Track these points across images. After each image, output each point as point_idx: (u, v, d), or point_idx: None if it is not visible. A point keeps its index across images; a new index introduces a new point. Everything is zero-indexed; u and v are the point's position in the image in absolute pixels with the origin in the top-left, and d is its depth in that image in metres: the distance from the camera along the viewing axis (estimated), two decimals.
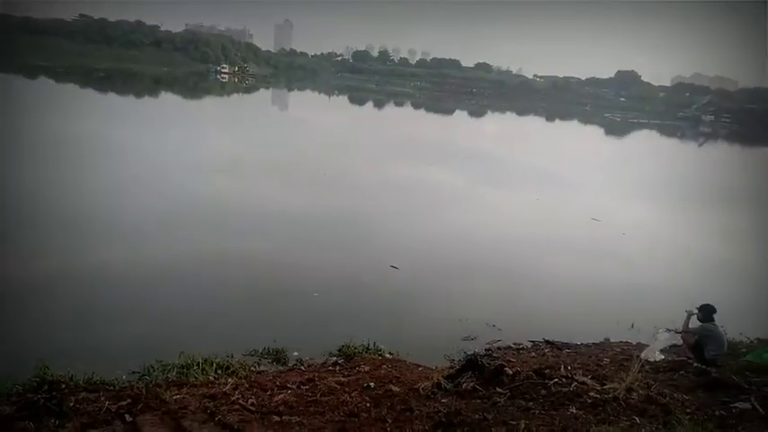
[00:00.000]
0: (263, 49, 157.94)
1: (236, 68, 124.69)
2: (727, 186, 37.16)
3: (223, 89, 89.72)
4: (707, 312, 8.29)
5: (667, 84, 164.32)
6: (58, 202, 16.16)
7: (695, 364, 8.02)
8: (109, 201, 16.77)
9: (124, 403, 6.14)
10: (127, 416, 5.90)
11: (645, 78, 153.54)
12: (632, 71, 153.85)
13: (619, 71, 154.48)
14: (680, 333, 8.62)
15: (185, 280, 11.70)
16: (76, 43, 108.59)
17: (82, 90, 59.63)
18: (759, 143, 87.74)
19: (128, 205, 16.55)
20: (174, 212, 16.45)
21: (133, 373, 7.44)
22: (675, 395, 6.42)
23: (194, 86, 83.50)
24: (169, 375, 7.39)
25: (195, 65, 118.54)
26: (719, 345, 8.11)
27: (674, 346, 9.11)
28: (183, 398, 6.47)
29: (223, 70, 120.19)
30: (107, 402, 6.13)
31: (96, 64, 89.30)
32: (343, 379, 7.59)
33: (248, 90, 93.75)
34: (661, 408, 5.93)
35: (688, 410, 5.94)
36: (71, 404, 5.99)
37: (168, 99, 63.45)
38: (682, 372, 7.78)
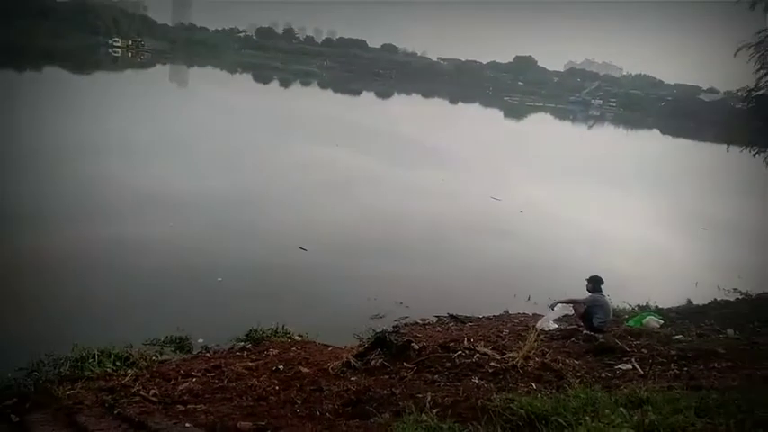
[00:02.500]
0: (160, 22, 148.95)
1: (130, 42, 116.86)
2: (614, 166, 40.11)
3: (115, 64, 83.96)
4: (595, 283, 8.94)
5: (560, 69, 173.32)
6: None
7: (585, 332, 8.63)
8: None
9: (9, 402, 5.70)
10: (13, 416, 5.48)
11: (541, 64, 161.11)
12: (529, 56, 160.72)
13: (517, 56, 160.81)
14: (571, 303, 9.24)
15: (78, 269, 10.95)
16: None
17: None
18: (640, 126, 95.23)
19: (7, 190, 15.13)
20: (59, 198, 15.27)
21: (20, 369, 6.88)
22: (567, 361, 6.88)
23: (83, 61, 77.38)
24: (61, 370, 6.91)
25: (84, 37, 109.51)
26: (606, 313, 8.80)
27: (566, 315, 9.78)
28: (78, 392, 6.10)
29: (115, 44, 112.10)
30: None
31: None
32: (251, 363, 7.47)
33: (143, 66, 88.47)
34: (555, 373, 6.34)
35: (578, 374, 6.39)
36: None
37: (53, 74, 58.41)
38: (573, 339, 8.34)
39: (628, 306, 11.23)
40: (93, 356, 7.16)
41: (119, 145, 23.15)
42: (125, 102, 40.64)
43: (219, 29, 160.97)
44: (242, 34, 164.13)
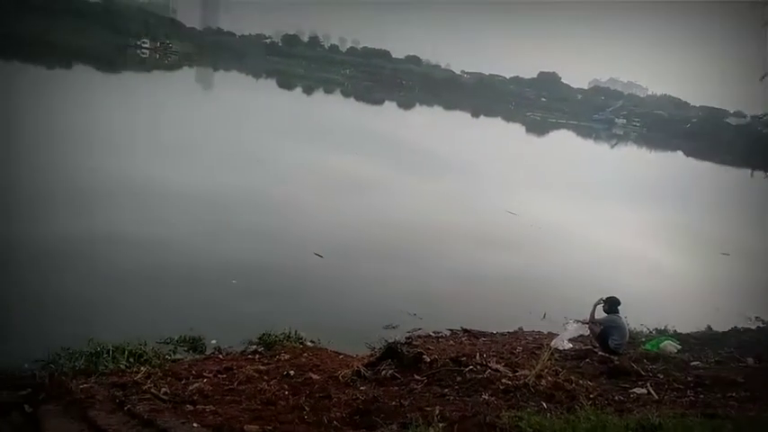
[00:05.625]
0: (188, 25, 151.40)
1: (158, 44, 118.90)
2: (635, 185, 39.66)
3: (143, 65, 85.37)
4: (612, 304, 8.83)
5: (585, 87, 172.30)
6: None
7: (600, 353, 8.52)
8: (7, 176, 15.56)
9: (24, 393, 5.77)
10: (26, 406, 5.55)
11: (565, 80, 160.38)
12: (553, 72, 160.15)
13: (541, 72, 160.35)
14: (587, 323, 9.13)
15: (98, 264, 11.05)
16: None
17: None
18: (664, 147, 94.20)
19: (28, 182, 15.36)
20: (84, 193, 15.46)
21: (36, 361, 6.97)
22: (581, 382, 6.79)
23: (112, 60, 78.85)
24: (76, 364, 6.99)
25: (113, 37, 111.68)
26: (622, 335, 8.67)
27: (581, 335, 9.66)
28: (91, 387, 6.15)
29: (144, 45, 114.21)
30: (4, 392, 5.73)
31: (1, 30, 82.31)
32: (262, 367, 7.49)
33: (170, 67, 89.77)
34: (567, 394, 6.26)
35: (591, 396, 6.30)
36: None
37: (83, 72, 59.61)
38: (587, 360, 8.23)
39: (645, 329, 11.04)
40: (108, 352, 7.24)
41: (141, 143, 23.53)
42: (149, 101, 41.28)
43: (246, 34, 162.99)
44: (268, 40, 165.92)
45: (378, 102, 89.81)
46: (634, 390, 6.67)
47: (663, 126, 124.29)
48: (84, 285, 10.07)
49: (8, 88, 34.01)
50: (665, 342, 9.46)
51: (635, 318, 10.43)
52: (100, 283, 10.27)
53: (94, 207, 14.39)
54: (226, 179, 20.23)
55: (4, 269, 10.03)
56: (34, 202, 13.92)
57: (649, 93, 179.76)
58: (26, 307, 8.80)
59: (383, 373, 7.05)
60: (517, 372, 6.94)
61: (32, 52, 64.04)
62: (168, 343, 8.31)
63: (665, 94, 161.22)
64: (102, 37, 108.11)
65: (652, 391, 6.53)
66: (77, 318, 8.69)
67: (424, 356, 7.39)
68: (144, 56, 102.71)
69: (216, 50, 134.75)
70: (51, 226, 12.54)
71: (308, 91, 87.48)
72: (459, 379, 6.78)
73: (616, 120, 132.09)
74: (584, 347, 9.06)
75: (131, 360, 7.27)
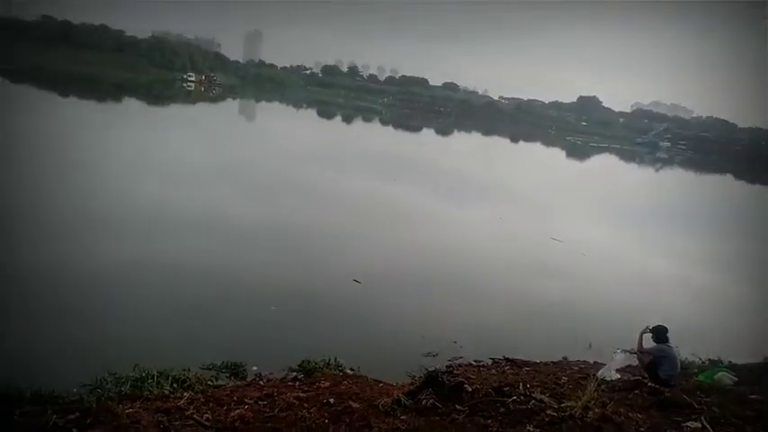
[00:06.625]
0: (232, 58, 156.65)
1: (203, 77, 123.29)
2: (682, 210, 38.51)
3: (189, 97, 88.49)
4: (660, 333, 8.50)
5: (627, 110, 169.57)
6: (6, 205, 15.54)
7: (649, 384, 8.19)
8: (63, 205, 16.26)
9: (73, 417, 5.89)
10: (75, 430, 5.67)
11: (606, 104, 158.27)
12: (594, 96, 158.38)
13: (580, 96, 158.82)
14: (636, 353, 8.81)
15: (142, 290, 11.37)
16: (36, 44, 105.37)
17: (39, 92, 57.87)
18: (712, 170, 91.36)
19: (82, 210, 16.05)
20: (129, 219, 16.01)
21: (84, 386, 7.14)
22: (630, 414, 6.53)
23: (159, 93, 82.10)
24: (123, 388, 7.13)
25: (161, 72, 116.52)
26: (673, 365, 8.32)
27: (629, 365, 9.31)
28: (136, 412, 6.25)
29: (189, 78, 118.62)
30: (54, 416, 5.87)
31: (57, 66, 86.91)
32: (302, 395, 7.47)
33: (215, 99, 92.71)
34: (616, 426, 6.02)
35: (641, 429, 6.05)
36: (15, 417, 5.72)
37: (131, 105, 62.20)
38: (636, 391, 7.92)
39: (697, 359, 10.59)
40: (153, 377, 7.37)
41: (186, 173, 24.24)
42: (195, 132, 42.69)
43: (287, 66, 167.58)
44: (308, 71, 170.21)
45: (416, 129, 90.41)
46: (687, 423, 6.38)
47: (710, 149, 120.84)
48: (125, 310, 10.35)
49: (65, 123, 35.82)
50: (720, 373, 9.05)
51: (686, 347, 10.01)
52: (141, 308, 10.53)
53: (138, 232, 14.85)
54: (266, 206, 20.62)
55: (58, 294, 10.41)
56: (93, 230, 14.50)
57: (695, 115, 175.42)
58: (76, 332, 9.08)
59: (424, 402, 6.93)
60: (563, 403, 6.72)
61: (85, 88, 67.41)
62: (210, 369, 8.41)
63: (712, 116, 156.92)
64: (150, 71, 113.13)
65: (707, 426, 6.22)
66: (123, 343, 8.91)
67: (466, 386, 7.23)
68: (190, 89, 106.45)
69: (258, 82, 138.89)
70: (106, 253, 12.99)
71: (348, 120, 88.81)
72: (502, 410, 6.61)
73: (660, 143, 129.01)
74: (632, 378, 8.73)
75: (175, 385, 7.37)
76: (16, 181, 18.18)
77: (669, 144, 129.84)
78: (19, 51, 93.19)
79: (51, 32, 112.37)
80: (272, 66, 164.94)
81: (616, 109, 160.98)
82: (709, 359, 10.72)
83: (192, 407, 6.58)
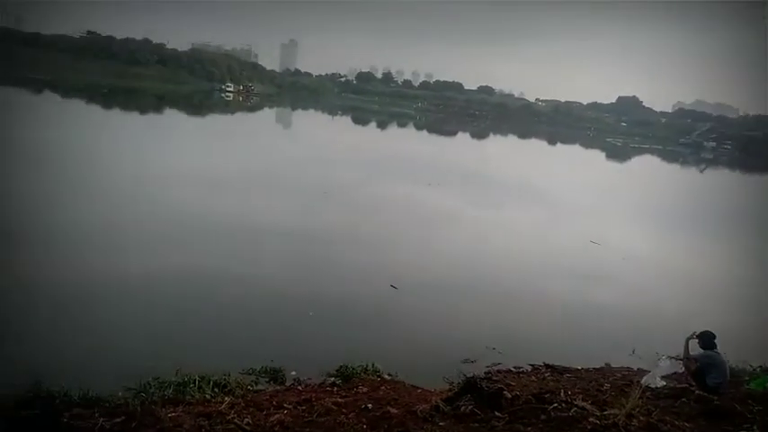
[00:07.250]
0: (268, 68, 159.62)
1: (241, 87, 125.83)
2: (729, 212, 37.18)
3: (227, 107, 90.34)
4: (707, 339, 8.22)
5: (668, 110, 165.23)
6: (57, 216, 16.15)
7: (697, 392, 7.92)
8: (110, 214, 16.78)
9: (118, 420, 6.06)
10: None
11: (646, 104, 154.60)
12: (634, 97, 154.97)
13: (620, 97, 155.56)
14: (682, 360, 8.54)
15: (185, 296, 11.65)
16: (83, 59, 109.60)
17: (87, 105, 60.05)
18: (760, 170, 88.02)
19: (127, 219, 16.54)
20: (173, 228, 16.43)
21: (129, 389, 7.35)
22: (677, 423, 6.33)
23: (199, 104, 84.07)
24: (166, 393, 7.31)
25: (200, 83, 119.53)
26: (722, 372, 8.03)
27: (675, 372, 9.02)
28: (179, 416, 6.39)
29: (228, 89, 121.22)
30: (101, 419, 6.05)
31: (102, 80, 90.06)
32: (340, 400, 7.50)
33: (252, 109, 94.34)
34: None
35: None
36: (64, 420, 5.91)
37: (173, 115, 63.88)
38: (683, 399, 7.67)
39: (748, 366, 10.17)
40: (194, 382, 7.53)
41: (224, 180, 24.70)
42: (233, 141, 43.54)
43: (322, 74, 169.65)
44: (343, 79, 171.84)
45: (451, 133, 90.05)
46: None
47: (758, 148, 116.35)
48: (167, 315, 10.61)
49: (109, 134, 37.05)
50: None
51: (735, 354, 9.64)
52: (182, 314, 10.76)
53: (181, 239, 15.20)
54: (303, 213, 20.82)
55: (106, 301, 10.75)
56: (139, 236, 14.95)
57: (741, 113, 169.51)
58: (121, 337, 9.34)
59: (462, 408, 6.86)
60: (606, 411, 6.55)
61: (126, 99, 69.61)
62: (250, 373, 8.54)
63: (759, 114, 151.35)
64: (190, 82, 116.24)
65: None
66: (166, 348, 9.12)
67: (505, 392, 7.13)
68: (228, 99, 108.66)
69: (294, 90, 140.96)
70: (150, 260, 13.36)
71: (382, 126, 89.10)
72: (542, 417, 6.48)
73: (705, 143, 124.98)
74: (678, 385, 8.46)
75: (216, 390, 7.52)
76: (68, 189, 18.96)
77: (714, 144, 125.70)
78: (65, 66, 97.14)
79: (96, 47, 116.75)
80: (307, 74, 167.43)
81: (657, 109, 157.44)
82: (761, 366, 10.29)
83: (232, 411, 6.69)
